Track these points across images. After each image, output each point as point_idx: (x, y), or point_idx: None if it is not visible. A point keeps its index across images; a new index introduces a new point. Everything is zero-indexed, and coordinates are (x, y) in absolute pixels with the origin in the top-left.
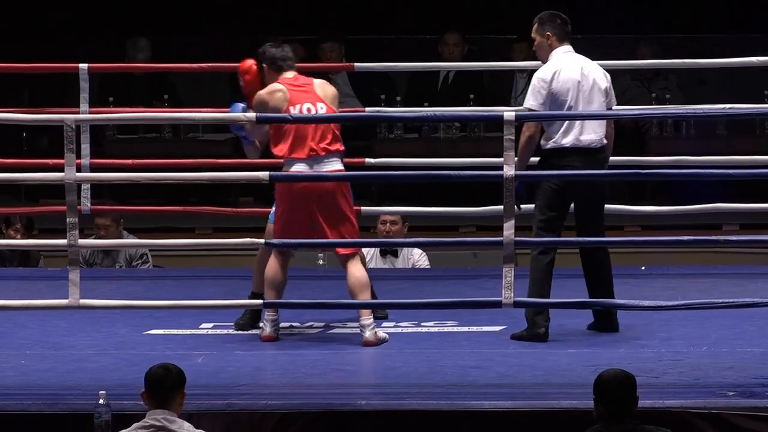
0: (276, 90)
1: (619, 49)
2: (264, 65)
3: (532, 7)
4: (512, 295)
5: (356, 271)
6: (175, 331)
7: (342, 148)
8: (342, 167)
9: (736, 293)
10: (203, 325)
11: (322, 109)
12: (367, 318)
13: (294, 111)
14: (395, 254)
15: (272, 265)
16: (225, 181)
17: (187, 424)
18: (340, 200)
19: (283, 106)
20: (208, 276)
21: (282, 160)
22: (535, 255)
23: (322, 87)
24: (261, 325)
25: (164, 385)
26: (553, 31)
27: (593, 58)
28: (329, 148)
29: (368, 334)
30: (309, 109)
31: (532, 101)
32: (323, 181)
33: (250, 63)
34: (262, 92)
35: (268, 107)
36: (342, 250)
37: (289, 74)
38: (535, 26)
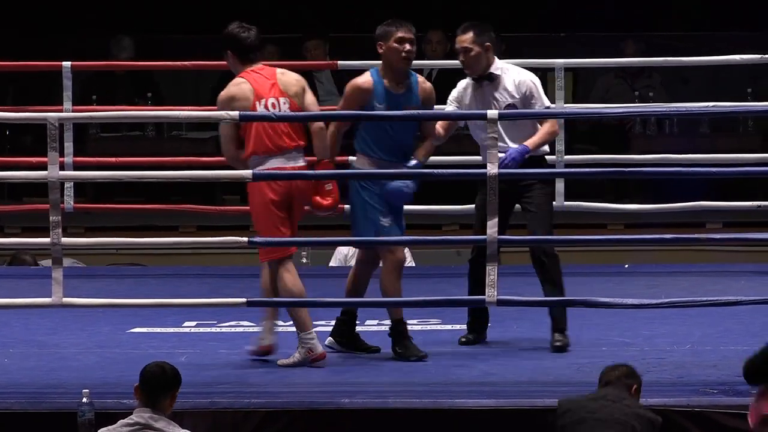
0: (241, 83)
1: (604, 46)
2: (228, 51)
3: (513, 5)
4: (495, 293)
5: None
6: (158, 330)
7: (304, 143)
8: (305, 163)
9: (720, 291)
10: (186, 324)
11: (285, 105)
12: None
13: (260, 106)
14: None
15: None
16: (208, 179)
17: (172, 425)
18: (307, 198)
19: (250, 100)
20: (192, 274)
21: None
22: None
23: (283, 79)
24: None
25: (156, 384)
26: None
27: (578, 56)
28: (298, 143)
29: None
30: (273, 104)
31: (547, 101)
32: (304, 179)
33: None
34: (226, 92)
35: (236, 102)
36: (273, 253)
37: (256, 65)
38: (473, 35)
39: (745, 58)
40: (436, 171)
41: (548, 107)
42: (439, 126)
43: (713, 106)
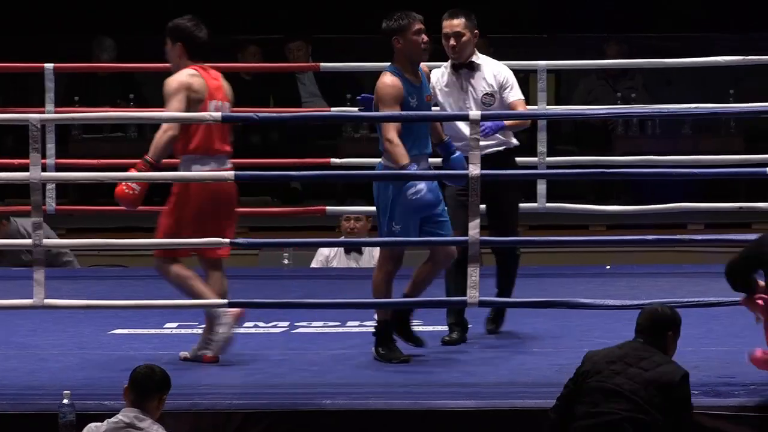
0: (196, 75)
1: (586, 48)
2: (178, 43)
3: (495, 7)
4: (477, 294)
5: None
6: (139, 331)
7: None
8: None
9: (701, 292)
10: (168, 325)
11: (227, 108)
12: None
13: (210, 106)
14: (360, 252)
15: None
16: (190, 180)
17: (156, 426)
18: (235, 203)
19: (204, 94)
20: None
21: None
22: None
23: (225, 84)
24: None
25: (144, 386)
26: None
27: (561, 57)
28: (227, 148)
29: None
30: (218, 107)
31: (520, 93)
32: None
33: None
34: (183, 77)
35: (192, 91)
36: (219, 252)
37: (201, 63)
38: (465, 20)
39: (728, 60)
40: (417, 172)
41: (521, 99)
42: None
43: (695, 108)
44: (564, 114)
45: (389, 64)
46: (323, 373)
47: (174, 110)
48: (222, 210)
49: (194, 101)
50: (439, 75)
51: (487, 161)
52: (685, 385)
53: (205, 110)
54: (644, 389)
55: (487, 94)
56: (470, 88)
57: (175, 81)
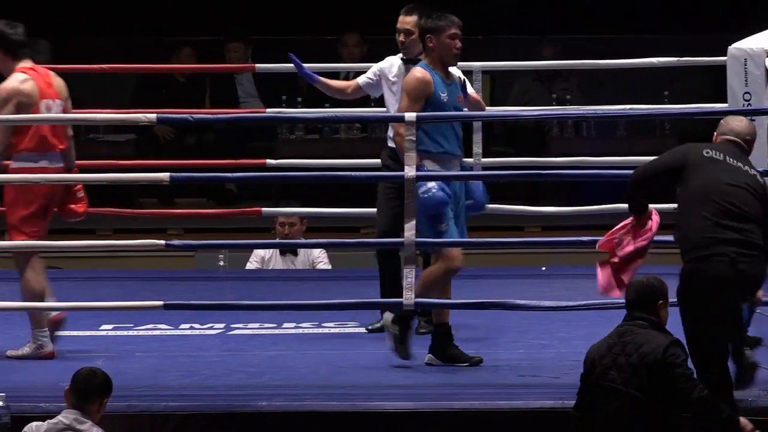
0: (27, 79)
1: (521, 49)
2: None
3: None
4: (413, 295)
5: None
6: (74, 333)
7: (65, 146)
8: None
9: None
10: (103, 327)
11: (59, 107)
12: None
13: (41, 106)
14: (295, 253)
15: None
16: (126, 182)
17: (95, 429)
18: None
19: (35, 98)
20: (108, 277)
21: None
22: None
23: (57, 81)
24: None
25: (85, 388)
26: None
27: (496, 58)
28: (62, 146)
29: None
30: (49, 106)
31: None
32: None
33: None
34: (13, 84)
35: (22, 97)
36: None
37: (27, 63)
38: (418, 18)
39: (662, 61)
40: (354, 174)
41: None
42: (348, 83)
43: (630, 109)
44: (501, 116)
45: (420, 60)
46: (259, 374)
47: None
48: (50, 211)
49: (26, 105)
50: (389, 64)
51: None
52: (670, 357)
53: (37, 112)
54: (635, 377)
55: None
56: None
57: (4, 90)
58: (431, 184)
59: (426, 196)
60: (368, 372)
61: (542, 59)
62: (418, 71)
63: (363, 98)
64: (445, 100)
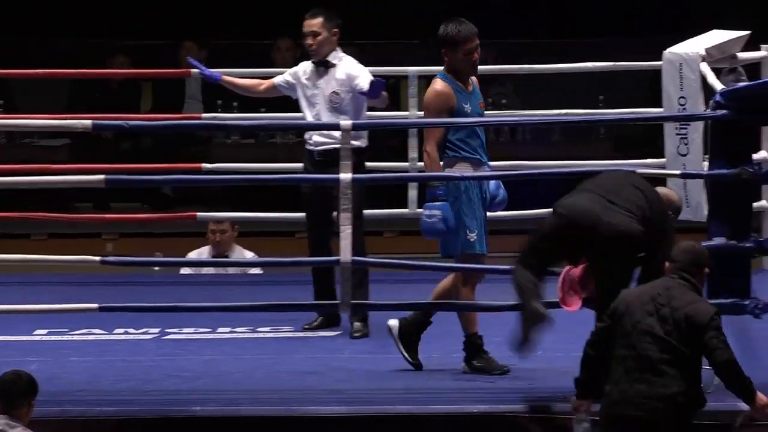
0: None
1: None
2: None
3: (361, 13)
4: (349, 299)
5: None
6: (8, 338)
7: None
8: None
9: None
10: (37, 332)
11: None
12: None
13: None
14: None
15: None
16: (61, 185)
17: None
18: None
19: None
20: (42, 282)
21: None
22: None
23: None
24: None
25: (12, 391)
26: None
27: (432, 63)
28: None
29: None
30: None
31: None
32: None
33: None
34: None
35: None
36: None
37: None
38: (323, 20)
39: (598, 66)
40: (285, 176)
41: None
42: (260, 82)
43: (565, 114)
44: (437, 122)
45: (440, 70)
46: (194, 379)
47: None
48: None
49: None
50: (303, 69)
51: (325, 157)
52: (715, 324)
53: None
54: (676, 330)
55: (334, 92)
56: (322, 86)
57: None
58: (437, 213)
59: (427, 221)
60: (303, 376)
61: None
62: (438, 83)
63: (297, 102)
64: (468, 110)
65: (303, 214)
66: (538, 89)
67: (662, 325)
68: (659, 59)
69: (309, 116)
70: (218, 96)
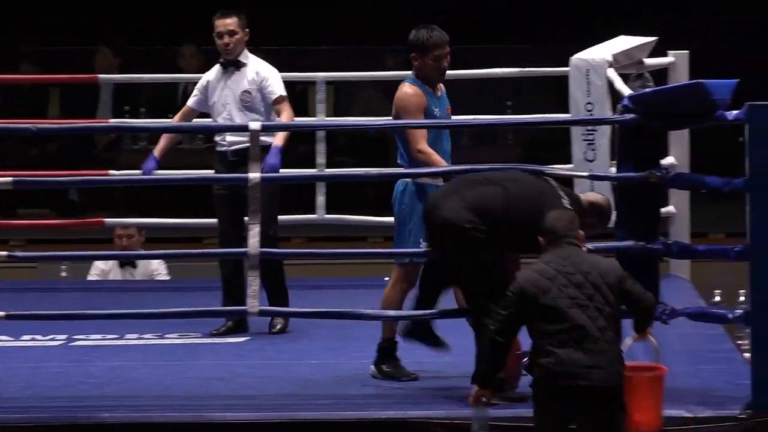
0: None
1: (365, 60)
2: None
3: (272, 19)
4: (257, 303)
5: None
6: None
7: None
8: None
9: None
10: None
11: None
12: None
13: None
14: (134, 265)
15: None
16: None
17: None
18: None
19: None
20: None
21: None
22: None
23: None
24: None
25: None
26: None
27: (340, 69)
28: None
29: None
30: None
31: (282, 89)
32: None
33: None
34: None
35: None
36: None
37: None
38: (237, 19)
39: (505, 72)
40: (196, 176)
41: (283, 96)
42: (180, 116)
43: (473, 119)
44: (344, 125)
45: (409, 75)
46: (102, 385)
47: None
48: None
49: None
50: (208, 76)
51: (239, 157)
52: (626, 273)
53: None
54: (598, 292)
55: (245, 91)
56: (233, 86)
57: None
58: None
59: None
60: (211, 383)
61: (385, 70)
62: (407, 86)
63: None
64: (437, 114)
65: (210, 221)
66: (447, 95)
67: (583, 292)
68: (566, 65)
69: (220, 117)
70: (126, 102)
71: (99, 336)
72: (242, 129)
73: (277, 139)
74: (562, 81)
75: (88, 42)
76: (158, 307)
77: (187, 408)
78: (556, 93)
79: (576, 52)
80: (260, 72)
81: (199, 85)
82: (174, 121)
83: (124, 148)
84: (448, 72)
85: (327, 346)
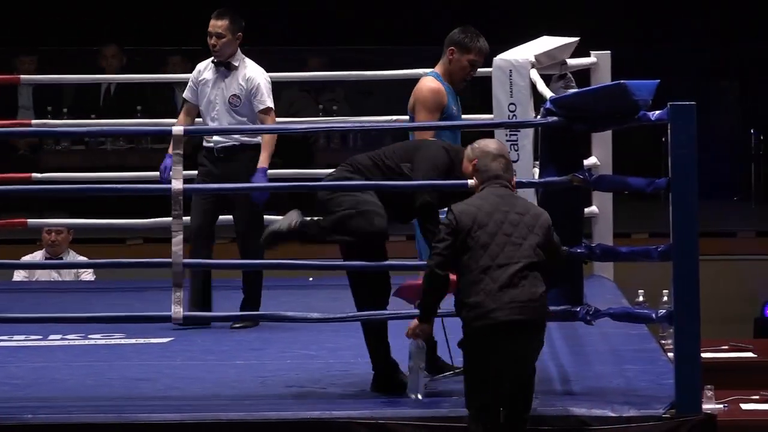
0: None
1: (287, 60)
2: None
3: (198, 21)
4: (181, 310)
5: None
6: None
7: None
8: None
9: (403, 305)
10: None
11: None
12: None
13: None
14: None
15: None
16: None
17: None
18: None
19: None
20: None
21: None
22: None
23: None
24: None
25: None
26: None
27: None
28: None
29: None
30: None
31: (270, 101)
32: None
33: None
34: None
35: None
36: None
37: None
38: (229, 22)
39: (428, 72)
40: (122, 186)
41: (269, 108)
42: (183, 116)
43: (395, 121)
44: (268, 129)
45: (431, 69)
46: (25, 386)
47: None
48: None
49: None
50: (203, 67)
51: (225, 153)
52: (551, 223)
53: None
54: (531, 233)
55: (234, 95)
56: (223, 87)
57: None
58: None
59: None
60: (135, 383)
61: (308, 70)
62: (431, 81)
63: (127, 108)
64: (455, 112)
65: (135, 221)
66: (369, 96)
67: (517, 230)
68: (489, 65)
69: (208, 117)
70: (48, 102)
71: (22, 337)
72: (166, 133)
73: (262, 160)
74: (486, 82)
75: (9, 43)
76: (83, 308)
77: (110, 408)
78: (479, 94)
79: (499, 53)
80: (251, 79)
81: (192, 77)
82: (179, 121)
83: (46, 149)
84: (370, 72)
85: (250, 347)
